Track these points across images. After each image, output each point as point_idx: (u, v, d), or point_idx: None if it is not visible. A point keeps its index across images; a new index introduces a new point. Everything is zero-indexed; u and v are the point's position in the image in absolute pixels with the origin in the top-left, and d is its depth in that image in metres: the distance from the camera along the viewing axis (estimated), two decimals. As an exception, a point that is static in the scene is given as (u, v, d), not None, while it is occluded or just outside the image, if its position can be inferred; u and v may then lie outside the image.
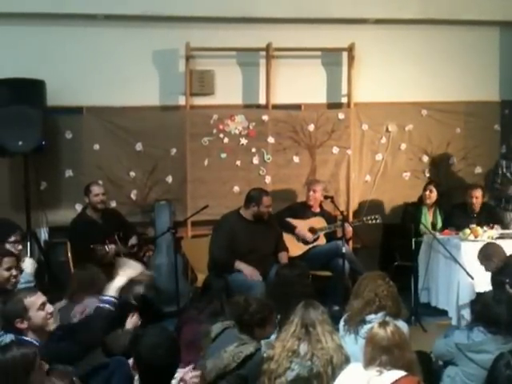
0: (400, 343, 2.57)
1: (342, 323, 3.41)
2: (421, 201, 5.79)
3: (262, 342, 3.14)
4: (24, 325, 2.82)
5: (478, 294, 4.32)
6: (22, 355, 2.31)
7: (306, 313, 2.85)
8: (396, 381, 2.48)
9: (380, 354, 2.54)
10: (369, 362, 2.57)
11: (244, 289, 4.37)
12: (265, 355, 2.88)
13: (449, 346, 3.30)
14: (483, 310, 3.30)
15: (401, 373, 2.50)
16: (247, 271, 4.78)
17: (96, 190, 5.08)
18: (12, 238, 4.13)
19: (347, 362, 2.79)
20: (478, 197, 5.63)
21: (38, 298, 2.91)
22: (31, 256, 4.88)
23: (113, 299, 3.00)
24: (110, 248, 4.89)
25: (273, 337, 3.20)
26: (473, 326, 3.30)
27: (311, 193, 5.53)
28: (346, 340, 3.29)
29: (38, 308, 2.87)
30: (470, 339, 3.24)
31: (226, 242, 4.88)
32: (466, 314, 4.59)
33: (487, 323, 3.23)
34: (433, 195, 5.71)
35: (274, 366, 2.78)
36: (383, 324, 2.64)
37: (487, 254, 4.43)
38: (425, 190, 5.76)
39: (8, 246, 3.88)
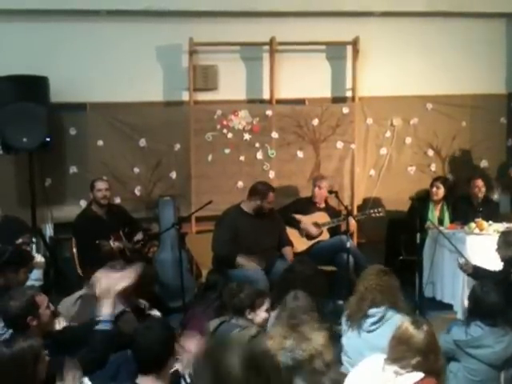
0: (436, 348, 2.52)
1: (343, 319, 3.40)
2: (428, 196, 5.72)
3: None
4: (35, 322, 2.82)
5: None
6: (29, 346, 2.35)
7: (291, 313, 2.85)
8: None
9: (413, 355, 2.48)
10: (395, 360, 2.51)
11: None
12: None
13: (448, 343, 3.27)
14: (476, 305, 3.28)
15: (419, 375, 2.46)
16: (250, 267, 4.77)
17: (99, 185, 5.09)
18: (20, 240, 4.17)
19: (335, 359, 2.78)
20: (479, 186, 5.60)
21: (45, 298, 2.94)
22: (37, 252, 4.91)
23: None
24: (115, 244, 4.91)
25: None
26: (470, 321, 3.28)
27: (316, 189, 5.51)
28: (348, 335, 3.31)
29: (46, 306, 2.90)
30: (468, 335, 3.22)
31: (228, 236, 4.87)
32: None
33: (483, 316, 3.22)
34: (440, 192, 5.62)
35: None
36: (416, 324, 2.56)
37: (508, 241, 4.32)
38: (432, 186, 5.67)
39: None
